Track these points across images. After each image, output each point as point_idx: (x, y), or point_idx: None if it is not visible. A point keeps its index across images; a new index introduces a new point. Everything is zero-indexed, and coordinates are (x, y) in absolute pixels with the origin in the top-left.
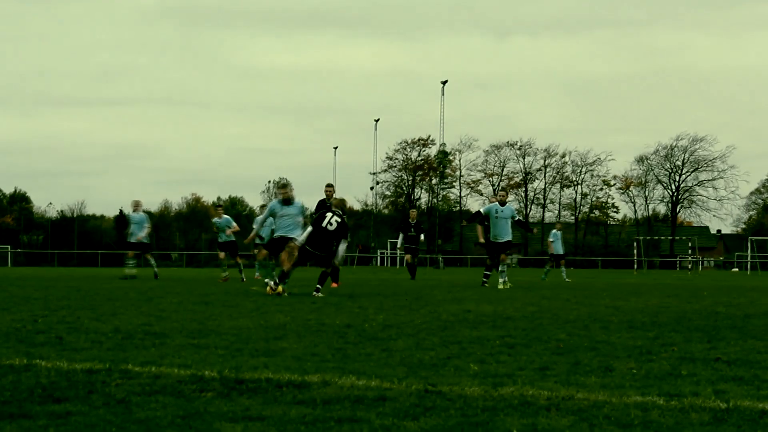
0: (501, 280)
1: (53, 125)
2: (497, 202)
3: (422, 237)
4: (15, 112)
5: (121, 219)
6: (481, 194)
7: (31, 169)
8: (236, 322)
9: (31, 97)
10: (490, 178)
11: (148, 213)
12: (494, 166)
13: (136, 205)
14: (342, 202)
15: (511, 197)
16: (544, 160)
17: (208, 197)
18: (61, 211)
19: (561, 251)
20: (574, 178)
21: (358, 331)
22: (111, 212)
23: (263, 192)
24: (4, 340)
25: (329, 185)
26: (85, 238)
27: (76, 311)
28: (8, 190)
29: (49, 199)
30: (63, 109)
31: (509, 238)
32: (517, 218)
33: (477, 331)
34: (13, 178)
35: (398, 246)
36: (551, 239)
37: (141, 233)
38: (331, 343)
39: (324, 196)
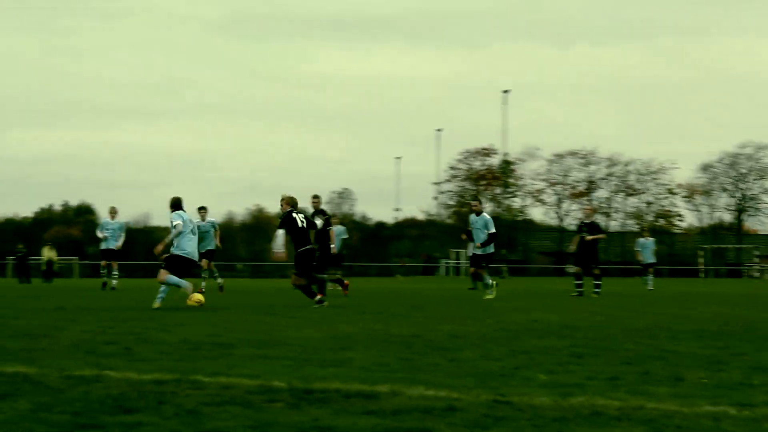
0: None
1: (118, 137)
2: (474, 213)
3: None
4: (80, 125)
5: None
6: (545, 203)
7: (97, 181)
8: (303, 332)
9: (96, 110)
10: (554, 187)
11: (212, 223)
12: (557, 175)
13: (113, 212)
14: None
15: (574, 207)
16: (608, 169)
17: (272, 208)
18: (127, 223)
19: (651, 259)
20: (638, 187)
21: (425, 341)
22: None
23: (326, 203)
24: (74, 351)
25: (315, 196)
26: (150, 250)
27: (143, 322)
28: (74, 202)
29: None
30: (127, 120)
31: (485, 248)
32: (490, 231)
33: (544, 341)
34: (79, 190)
35: (467, 254)
36: (638, 248)
37: (118, 242)
38: (398, 353)
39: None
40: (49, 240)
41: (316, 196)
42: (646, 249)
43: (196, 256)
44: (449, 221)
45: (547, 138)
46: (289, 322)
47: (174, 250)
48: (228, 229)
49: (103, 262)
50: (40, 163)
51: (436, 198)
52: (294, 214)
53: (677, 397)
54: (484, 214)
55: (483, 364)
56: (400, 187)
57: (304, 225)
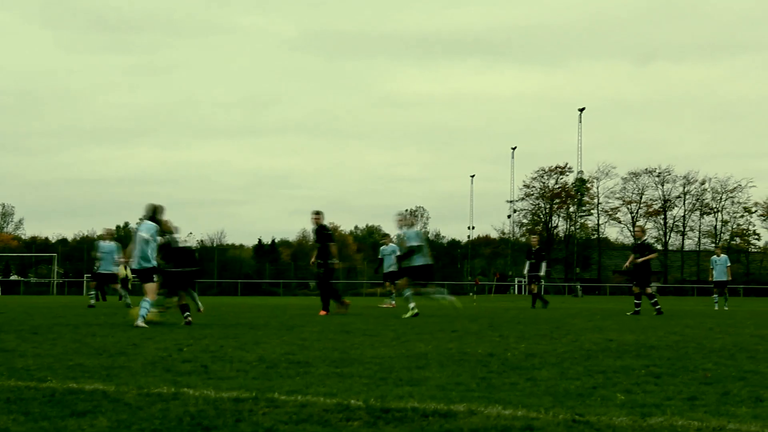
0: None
1: (195, 155)
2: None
3: (544, 265)
4: (159, 143)
5: (260, 249)
6: (620, 222)
7: (175, 199)
8: (378, 351)
9: (175, 128)
10: (629, 206)
11: (286, 242)
12: (632, 193)
13: (109, 235)
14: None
15: (649, 225)
16: (683, 187)
17: (346, 226)
18: (202, 241)
19: (723, 277)
20: (714, 205)
21: (501, 360)
22: (250, 242)
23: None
24: (151, 369)
25: (317, 212)
26: (225, 268)
27: (219, 340)
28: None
29: (191, 229)
30: (205, 139)
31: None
32: (412, 244)
33: (621, 360)
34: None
35: (524, 272)
36: (711, 266)
37: (112, 265)
38: (474, 372)
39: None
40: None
41: (317, 212)
42: (720, 267)
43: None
44: (523, 239)
45: (622, 156)
46: (363, 340)
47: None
48: (302, 248)
49: (92, 284)
50: (119, 181)
51: (509, 216)
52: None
53: (758, 419)
54: (415, 228)
55: (560, 383)
56: (474, 205)
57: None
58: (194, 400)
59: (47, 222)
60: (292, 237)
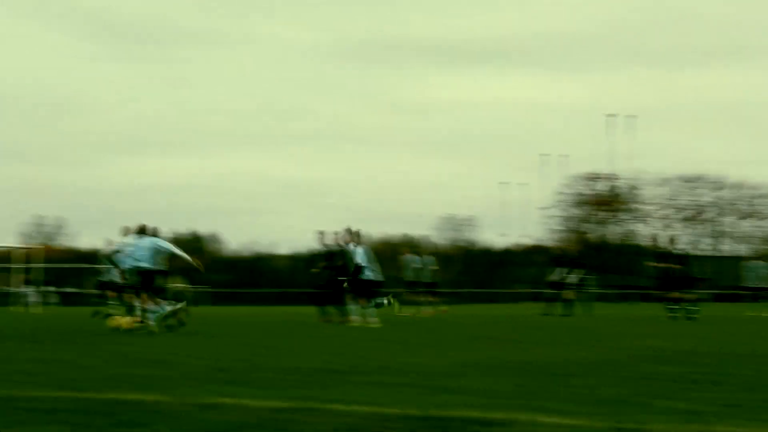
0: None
1: (229, 164)
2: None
3: (577, 272)
4: (190, 152)
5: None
6: (653, 228)
7: (210, 209)
8: (417, 359)
9: (210, 137)
10: (662, 212)
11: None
12: (666, 199)
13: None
14: None
15: (684, 231)
16: (718, 192)
17: (379, 235)
18: (238, 251)
19: (758, 284)
20: (750, 210)
21: (540, 368)
22: (286, 251)
23: (432, 229)
24: (191, 379)
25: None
26: (262, 277)
27: (259, 349)
28: (186, 231)
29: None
30: (239, 149)
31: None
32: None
33: (661, 367)
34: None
35: (552, 279)
36: (745, 272)
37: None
38: (513, 379)
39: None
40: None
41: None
42: (754, 273)
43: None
44: (560, 247)
45: (655, 162)
46: (401, 348)
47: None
48: None
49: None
50: (152, 191)
51: (542, 224)
52: None
53: None
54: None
55: (599, 390)
56: (506, 213)
57: None
58: (234, 410)
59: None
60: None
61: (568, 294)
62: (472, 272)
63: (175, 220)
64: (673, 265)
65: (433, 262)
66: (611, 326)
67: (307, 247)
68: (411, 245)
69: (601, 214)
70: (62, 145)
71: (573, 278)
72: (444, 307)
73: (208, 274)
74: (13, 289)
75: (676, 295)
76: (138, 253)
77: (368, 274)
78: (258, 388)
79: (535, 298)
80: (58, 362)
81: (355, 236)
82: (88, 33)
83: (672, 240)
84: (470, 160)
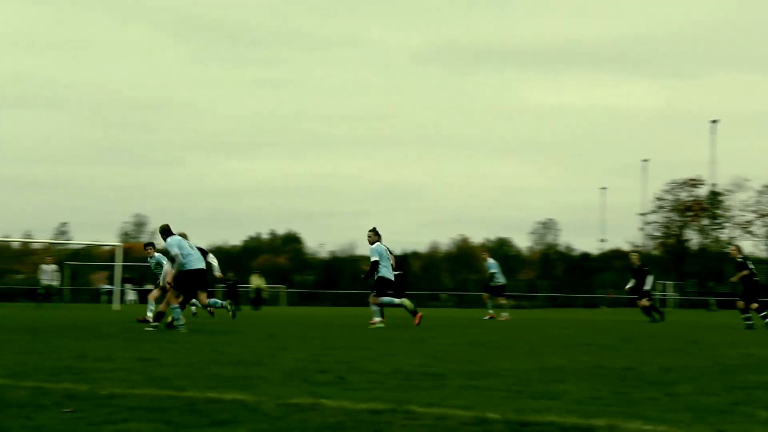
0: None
1: (324, 167)
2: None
3: (650, 279)
4: (288, 154)
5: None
6: (754, 235)
7: (304, 211)
8: (513, 363)
9: (303, 139)
10: (763, 219)
11: (416, 254)
12: (767, 206)
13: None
14: None
15: None
16: None
17: (476, 238)
18: (333, 252)
19: None
20: None
21: (638, 375)
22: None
23: (530, 233)
24: (288, 379)
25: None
26: (356, 279)
27: (354, 351)
28: (282, 231)
29: (321, 240)
30: (333, 150)
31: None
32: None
33: (762, 376)
34: (287, 220)
35: (626, 288)
36: None
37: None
38: (612, 386)
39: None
40: (257, 268)
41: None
42: None
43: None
44: (655, 252)
45: (757, 168)
46: (497, 352)
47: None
48: (432, 259)
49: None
50: (248, 192)
51: (641, 229)
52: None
53: None
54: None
55: (700, 398)
56: (606, 218)
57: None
58: (332, 412)
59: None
60: (421, 248)
61: (643, 302)
62: (567, 277)
63: (266, 221)
64: (747, 273)
65: (495, 266)
66: (711, 333)
67: (401, 249)
68: (489, 249)
69: (700, 221)
70: (159, 146)
71: (646, 286)
72: (506, 313)
73: (294, 275)
74: (96, 287)
75: (742, 304)
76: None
77: (384, 273)
78: (356, 390)
79: (615, 303)
80: (156, 361)
81: (372, 236)
82: (187, 36)
83: (736, 251)
84: (570, 165)
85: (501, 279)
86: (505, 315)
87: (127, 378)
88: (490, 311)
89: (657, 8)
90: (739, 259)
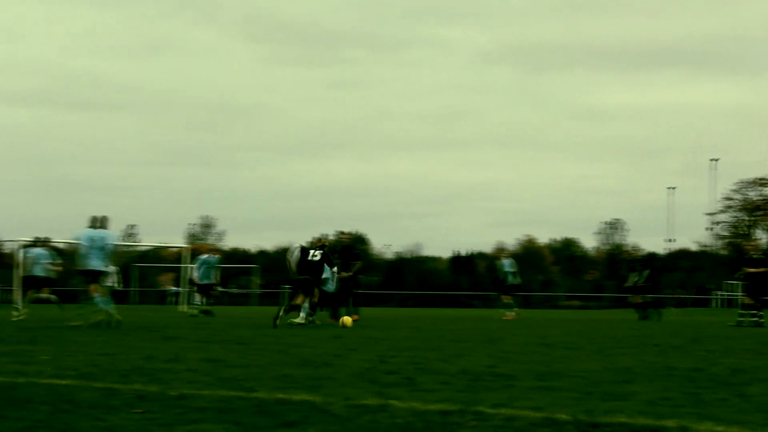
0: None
1: (392, 167)
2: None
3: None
4: (356, 155)
5: (456, 261)
6: None
7: (371, 211)
8: (582, 364)
9: (371, 140)
10: None
11: (482, 254)
12: None
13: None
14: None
15: None
16: None
17: (542, 238)
18: (399, 253)
19: None
20: None
21: (709, 375)
22: (446, 254)
23: (597, 233)
24: (357, 380)
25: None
26: (422, 280)
27: (422, 352)
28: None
29: (388, 241)
30: (401, 152)
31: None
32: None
33: None
34: (355, 220)
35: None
36: None
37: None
38: (682, 387)
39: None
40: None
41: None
42: None
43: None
44: (723, 252)
45: None
46: (566, 353)
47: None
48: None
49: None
50: (318, 194)
51: (710, 229)
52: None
53: None
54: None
55: None
56: (674, 218)
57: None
58: (402, 412)
59: (248, 234)
60: (488, 249)
61: (635, 298)
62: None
63: (333, 222)
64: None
65: (511, 265)
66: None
67: (468, 249)
68: (505, 249)
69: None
70: (228, 147)
71: (640, 282)
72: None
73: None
74: (164, 288)
75: (749, 301)
76: None
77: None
78: (425, 391)
79: (682, 304)
80: (224, 362)
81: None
82: (259, 37)
83: (754, 249)
84: (639, 165)
85: (515, 279)
86: (510, 314)
87: (196, 379)
88: (510, 313)
89: (729, 6)
90: (756, 256)
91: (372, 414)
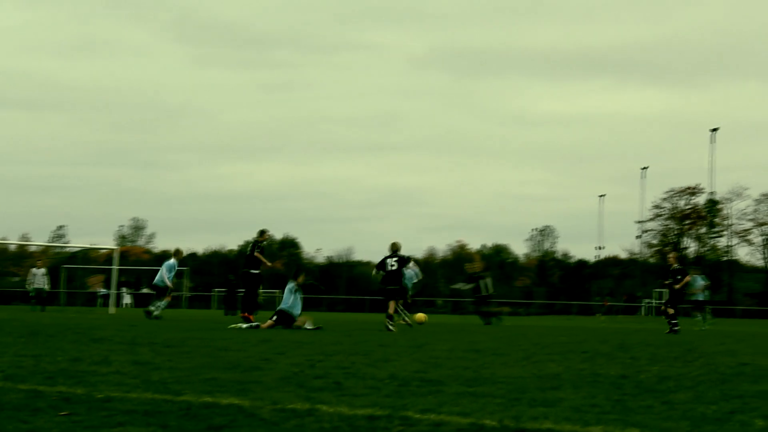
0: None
1: (323, 171)
2: None
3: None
4: (286, 159)
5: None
6: (751, 243)
7: (302, 215)
8: (510, 370)
9: (302, 144)
10: (761, 228)
11: (414, 259)
12: (765, 215)
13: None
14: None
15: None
16: None
17: (473, 244)
18: (330, 257)
19: None
20: None
21: (635, 383)
22: (377, 258)
23: (527, 240)
24: (285, 384)
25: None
26: (352, 284)
27: (351, 356)
28: (278, 236)
29: (319, 245)
30: (333, 155)
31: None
32: None
33: (758, 385)
34: (285, 224)
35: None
36: None
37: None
38: (608, 394)
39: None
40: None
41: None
42: None
43: None
44: (652, 260)
45: (755, 177)
46: (493, 359)
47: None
48: (429, 265)
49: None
50: (248, 197)
51: (639, 237)
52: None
53: None
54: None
55: (696, 407)
56: (603, 226)
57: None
58: (329, 417)
59: (178, 236)
60: (419, 254)
61: (488, 307)
62: (564, 284)
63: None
64: (672, 283)
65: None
66: (707, 341)
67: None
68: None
69: (698, 229)
70: (159, 149)
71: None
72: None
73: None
74: (93, 290)
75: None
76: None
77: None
78: (353, 396)
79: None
80: (152, 365)
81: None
82: (190, 38)
83: (674, 260)
84: (570, 172)
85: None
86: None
87: (124, 382)
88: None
89: (657, 16)
90: (675, 267)
91: (299, 418)
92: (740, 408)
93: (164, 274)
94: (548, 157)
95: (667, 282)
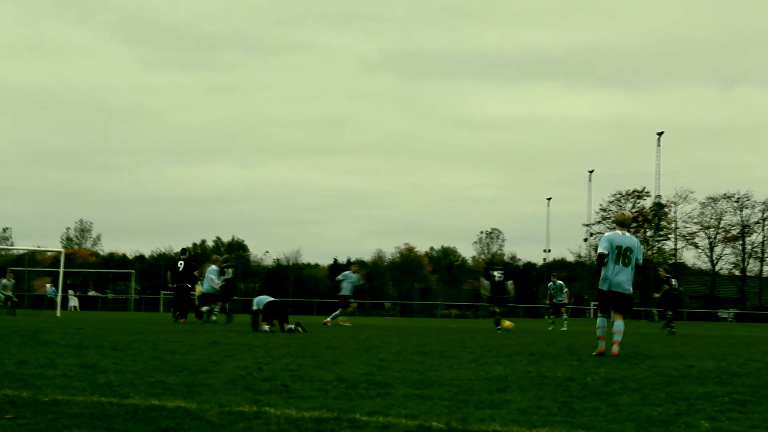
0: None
1: (271, 173)
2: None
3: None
4: (235, 161)
5: (335, 268)
6: (697, 247)
7: (250, 218)
8: (457, 373)
9: (251, 146)
10: (706, 231)
11: (361, 262)
12: (710, 218)
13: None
14: None
15: (727, 251)
16: (762, 213)
17: (421, 247)
18: (277, 260)
19: None
20: None
21: (581, 385)
22: (326, 261)
23: (475, 242)
24: (232, 387)
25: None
26: (300, 287)
27: (298, 359)
28: (226, 238)
29: (267, 248)
30: (281, 158)
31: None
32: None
33: (703, 387)
34: (232, 227)
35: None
36: None
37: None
38: (555, 396)
39: None
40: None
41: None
42: None
43: None
44: None
45: (701, 181)
46: (441, 362)
47: None
48: (377, 268)
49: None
50: (196, 199)
51: (586, 240)
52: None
53: None
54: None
55: (642, 409)
56: (551, 228)
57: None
58: (276, 420)
59: (125, 239)
60: (367, 257)
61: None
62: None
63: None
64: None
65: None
66: (653, 344)
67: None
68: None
69: (644, 232)
70: (105, 151)
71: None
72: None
73: (239, 283)
74: (39, 293)
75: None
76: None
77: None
78: (300, 398)
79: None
80: (99, 368)
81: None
82: (137, 39)
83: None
84: (518, 175)
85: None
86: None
87: (70, 385)
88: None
89: (608, 20)
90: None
91: (247, 421)
92: (686, 410)
93: (212, 280)
94: (496, 160)
95: None
